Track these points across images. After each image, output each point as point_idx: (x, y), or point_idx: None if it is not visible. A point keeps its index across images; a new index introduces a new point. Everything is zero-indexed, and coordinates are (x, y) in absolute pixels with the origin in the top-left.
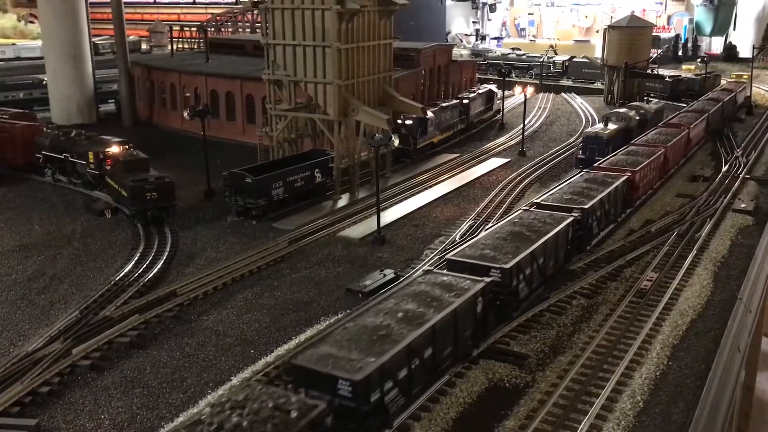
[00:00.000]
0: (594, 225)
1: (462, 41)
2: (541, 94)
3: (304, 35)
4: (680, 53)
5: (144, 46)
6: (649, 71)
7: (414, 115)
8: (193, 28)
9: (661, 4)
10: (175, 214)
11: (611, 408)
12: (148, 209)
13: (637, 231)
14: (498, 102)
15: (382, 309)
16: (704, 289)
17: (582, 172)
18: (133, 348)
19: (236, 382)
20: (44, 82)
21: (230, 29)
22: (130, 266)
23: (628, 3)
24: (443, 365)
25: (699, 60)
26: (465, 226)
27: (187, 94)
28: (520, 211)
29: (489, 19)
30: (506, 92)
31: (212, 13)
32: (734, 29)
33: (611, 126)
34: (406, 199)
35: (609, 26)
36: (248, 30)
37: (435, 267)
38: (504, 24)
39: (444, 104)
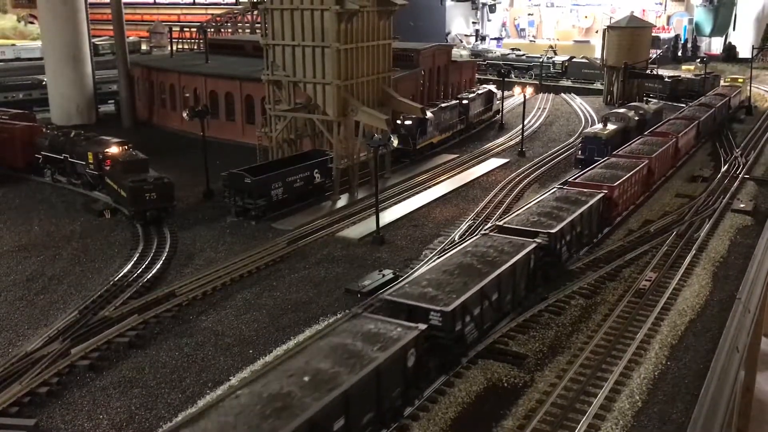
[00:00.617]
0: (563, 250)
1: (462, 42)
2: (540, 95)
3: (304, 36)
4: (680, 53)
5: (144, 47)
6: (648, 72)
7: (413, 116)
8: (193, 29)
9: (660, 4)
10: (174, 214)
11: (610, 408)
12: (147, 210)
13: (636, 231)
14: (497, 102)
15: (288, 369)
16: (703, 289)
17: (554, 189)
18: (132, 348)
19: (235, 382)
20: (44, 83)
21: (230, 30)
22: (129, 266)
23: (627, 3)
24: None
25: (698, 60)
26: (464, 226)
27: (187, 95)
28: (477, 237)
29: (489, 20)
30: (506, 93)
31: (212, 14)
32: (734, 29)
33: (610, 126)
34: (405, 199)
35: (608, 27)
36: (248, 31)
37: (364, 310)
38: (504, 24)
39: (443, 105)
